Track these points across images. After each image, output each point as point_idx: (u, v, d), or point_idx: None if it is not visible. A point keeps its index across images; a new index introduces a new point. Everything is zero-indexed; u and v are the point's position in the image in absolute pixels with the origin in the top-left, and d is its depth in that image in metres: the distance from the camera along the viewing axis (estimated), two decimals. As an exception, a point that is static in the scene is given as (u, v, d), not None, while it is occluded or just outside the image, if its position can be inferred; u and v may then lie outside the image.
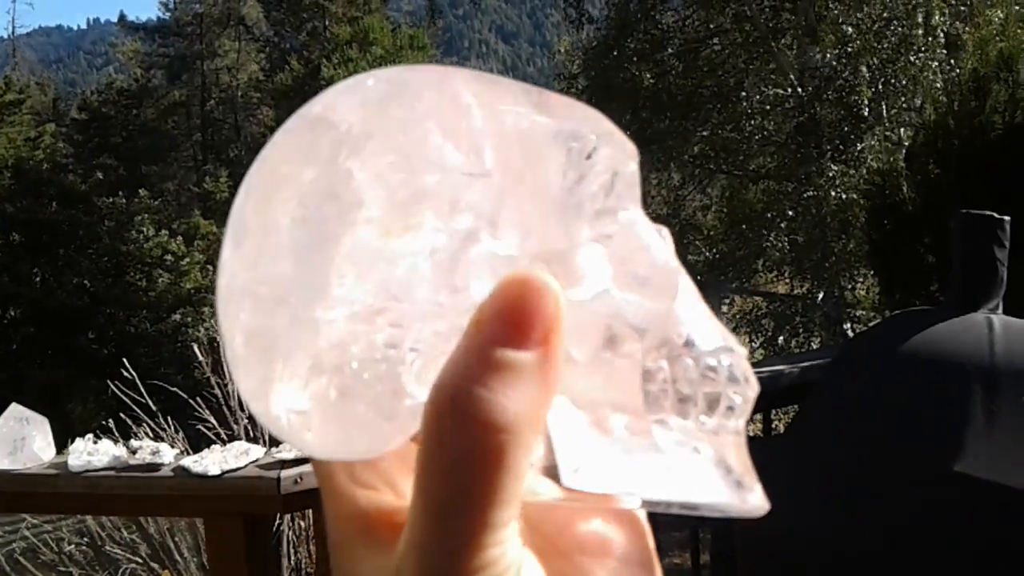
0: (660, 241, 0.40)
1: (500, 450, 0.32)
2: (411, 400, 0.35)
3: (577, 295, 0.37)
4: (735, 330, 16.12)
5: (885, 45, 13.80)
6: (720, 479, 0.39)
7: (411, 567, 0.33)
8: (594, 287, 0.37)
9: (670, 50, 16.33)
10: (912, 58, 13.43)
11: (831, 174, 13.79)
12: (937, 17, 13.30)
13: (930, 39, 13.33)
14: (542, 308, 0.33)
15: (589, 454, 0.37)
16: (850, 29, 14.14)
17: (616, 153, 0.39)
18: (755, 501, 0.39)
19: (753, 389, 0.40)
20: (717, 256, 16.33)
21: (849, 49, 14.11)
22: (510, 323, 0.33)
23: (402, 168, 0.36)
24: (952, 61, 12.67)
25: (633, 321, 0.38)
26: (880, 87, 13.82)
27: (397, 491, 0.38)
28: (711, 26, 16.28)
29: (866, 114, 13.81)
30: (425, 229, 0.35)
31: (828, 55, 14.54)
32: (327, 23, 30.85)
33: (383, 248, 0.35)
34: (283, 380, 0.35)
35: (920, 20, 13.34)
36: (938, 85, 12.79)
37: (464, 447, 0.32)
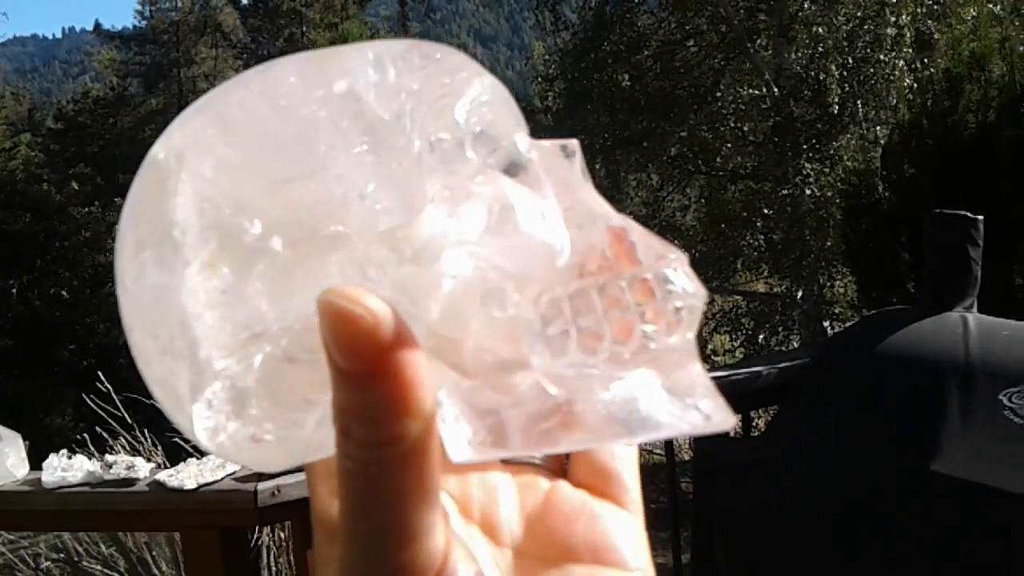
0: (528, 181, 0.38)
1: (375, 463, 0.34)
2: (323, 406, 0.37)
3: (429, 265, 0.36)
4: (716, 330, 16.19)
5: (859, 44, 13.88)
6: (664, 405, 0.37)
7: (338, 568, 0.36)
8: (447, 250, 0.37)
9: (647, 52, 16.37)
10: (883, 57, 13.52)
11: (806, 172, 13.86)
12: (904, 16, 13.40)
13: (898, 38, 13.43)
14: (368, 331, 0.33)
15: (479, 424, 0.36)
16: (821, 30, 14.22)
17: (453, 99, 0.38)
18: (715, 419, 0.37)
19: (696, 297, 0.38)
20: (697, 256, 16.37)
21: (820, 48, 14.19)
22: (346, 354, 0.33)
23: (219, 188, 0.36)
24: (924, 60, 12.75)
25: (506, 271, 0.37)
26: (855, 86, 13.90)
27: None
28: (687, 28, 16.33)
29: (835, 112, 13.89)
30: (258, 246, 0.36)
31: (800, 55, 14.63)
32: (304, 29, 30.76)
33: (216, 287, 0.36)
34: (197, 419, 0.37)
35: (892, 19, 13.44)
36: (905, 83, 12.90)
37: (362, 460, 0.34)
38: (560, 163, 0.40)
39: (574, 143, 0.41)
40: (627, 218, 0.39)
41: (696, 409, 0.37)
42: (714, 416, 0.37)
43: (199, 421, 0.37)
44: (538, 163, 0.39)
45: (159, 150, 0.38)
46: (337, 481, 0.35)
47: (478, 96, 0.38)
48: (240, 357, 0.36)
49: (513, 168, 0.39)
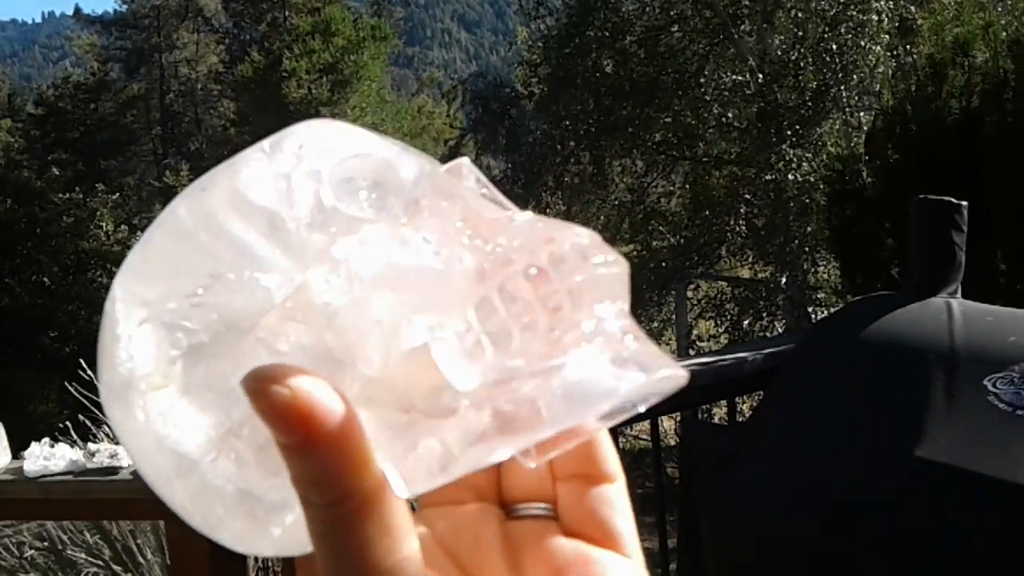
0: (415, 219, 0.40)
1: (340, 519, 0.37)
2: (268, 498, 0.40)
3: (332, 323, 0.38)
4: (700, 316, 16.24)
5: (843, 30, 13.91)
6: (608, 375, 0.37)
7: None
8: (342, 306, 0.38)
9: (631, 37, 16.35)
10: (863, 43, 13.57)
11: (789, 158, 13.90)
12: (885, 2, 13.44)
13: (876, 24, 13.47)
14: (289, 402, 0.36)
15: (417, 457, 0.38)
16: (801, 15, 14.26)
17: (326, 160, 0.40)
18: (665, 376, 0.37)
19: (605, 265, 0.38)
20: (682, 242, 16.40)
21: (800, 33, 14.23)
22: (280, 428, 0.36)
23: (151, 309, 0.40)
24: (907, 47, 12.79)
25: (407, 302, 0.38)
26: (838, 73, 13.94)
27: None
28: (671, 13, 16.32)
29: (812, 98, 13.93)
30: (184, 354, 0.39)
31: (782, 40, 14.66)
32: (287, 14, 30.56)
33: (176, 395, 0.39)
34: (224, 521, 0.41)
35: (875, 5, 13.48)
36: (880, 70, 12.95)
37: (316, 520, 0.37)
38: (452, 185, 0.41)
39: (462, 163, 0.42)
40: (525, 214, 0.40)
41: (639, 368, 0.37)
42: (663, 374, 0.37)
43: (227, 532, 0.41)
44: (429, 192, 0.40)
45: (110, 295, 0.41)
46: (313, 545, 0.38)
47: (351, 155, 0.40)
48: (223, 454, 0.39)
49: (411, 205, 0.40)
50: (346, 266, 0.38)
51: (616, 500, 0.44)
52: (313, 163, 0.40)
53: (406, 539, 0.38)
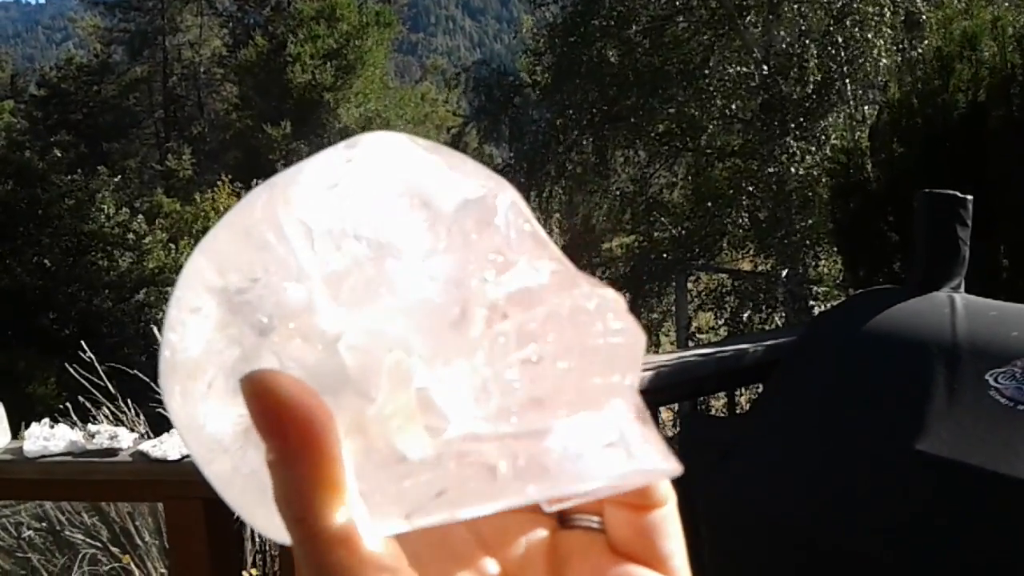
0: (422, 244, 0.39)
1: (310, 539, 0.36)
2: None
3: (333, 351, 0.38)
4: (700, 307, 16.24)
5: (848, 23, 13.88)
6: (595, 455, 0.37)
7: None
8: (344, 334, 0.38)
9: (636, 27, 16.31)
10: (871, 36, 13.54)
11: (792, 150, 13.88)
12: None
13: (880, 18, 13.45)
14: (272, 409, 0.36)
15: (389, 498, 0.37)
16: (806, 7, 14.22)
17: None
18: (654, 466, 0.37)
19: (623, 334, 0.37)
20: (683, 233, 16.40)
21: (805, 27, 14.21)
22: (263, 434, 0.36)
23: (201, 307, 0.40)
24: (912, 40, 12.76)
25: (412, 343, 0.38)
26: (843, 66, 13.91)
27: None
28: (677, 3, 16.27)
29: (815, 90, 13.91)
30: (224, 356, 0.39)
31: (787, 32, 14.63)
32: (291, -2, 30.48)
33: (209, 386, 0.40)
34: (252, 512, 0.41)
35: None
36: (883, 63, 12.92)
37: (296, 541, 0.37)
38: (491, 216, 0.40)
39: (507, 195, 0.41)
40: (559, 261, 0.39)
41: (634, 458, 0.37)
42: (653, 464, 0.37)
43: (256, 519, 0.41)
44: (466, 223, 0.40)
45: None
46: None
47: (393, 186, 0.40)
48: (247, 448, 0.39)
49: (446, 234, 0.39)
50: (364, 292, 0.38)
51: (665, 523, 0.43)
52: (365, 185, 0.40)
53: (393, 565, 0.37)
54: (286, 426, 0.36)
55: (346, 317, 0.38)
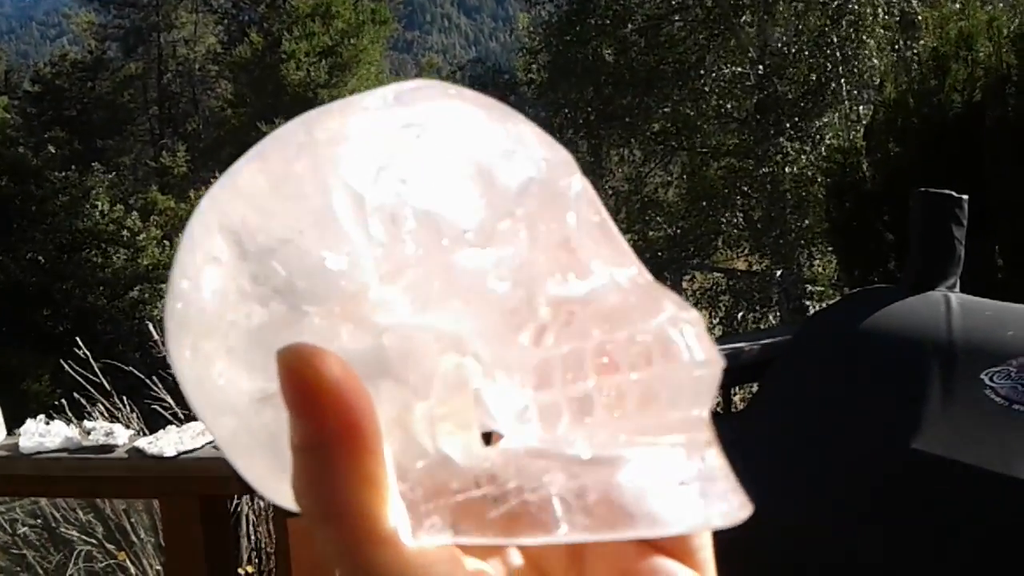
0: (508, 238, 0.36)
1: (345, 539, 0.33)
2: None
3: (395, 335, 0.34)
4: (695, 307, 16.25)
5: (844, 23, 13.91)
6: (664, 493, 0.33)
7: None
8: (402, 323, 0.34)
9: (631, 26, 16.32)
10: (864, 37, 13.58)
11: (786, 151, 13.91)
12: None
13: (873, 18, 13.49)
14: (316, 388, 0.32)
15: (434, 505, 0.34)
16: (801, 6, 14.25)
17: (421, 152, 0.36)
18: (726, 510, 0.33)
19: (707, 365, 0.34)
20: (678, 232, 16.42)
21: (800, 26, 14.23)
22: (297, 413, 0.33)
23: (222, 259, 0.36)
24: (907, 41, 12.79)
25: (471, 344, 0.35)
26: (838, 66, 13.93)
27: None
28: (673, 2, 16.28)
29: (815, 89, 13.94)
30: (248, 320, 0.36)
31: (781, 32, 14.66)
32: (287, -5, 30.43)
33: (228, 347, 0.36)
34: (261, 469, 0.38)
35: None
36: (874, 62, 12.95)
37: (322, 538, 0.33)
38: (563, 203, 0.37)
39: (580, 179, 0.38)
40: (640, 269, 0.36)
41: (705, 500, 0.33)
42: (724, 508, 0.33)
43: (252, 475, 0.38)
44: (532, 208, 0.36)
45: (191, 220, 0.38)
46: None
47: (461, 138, 0.36)
48: (264, 413, 0.36)
49: (494, 218, 0.36)
50: (421, 280, 0.35)
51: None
52: (422, 152, 0.36)
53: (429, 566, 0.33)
54: (325, 410, 0.32)
55: (398, 304, 0.34)
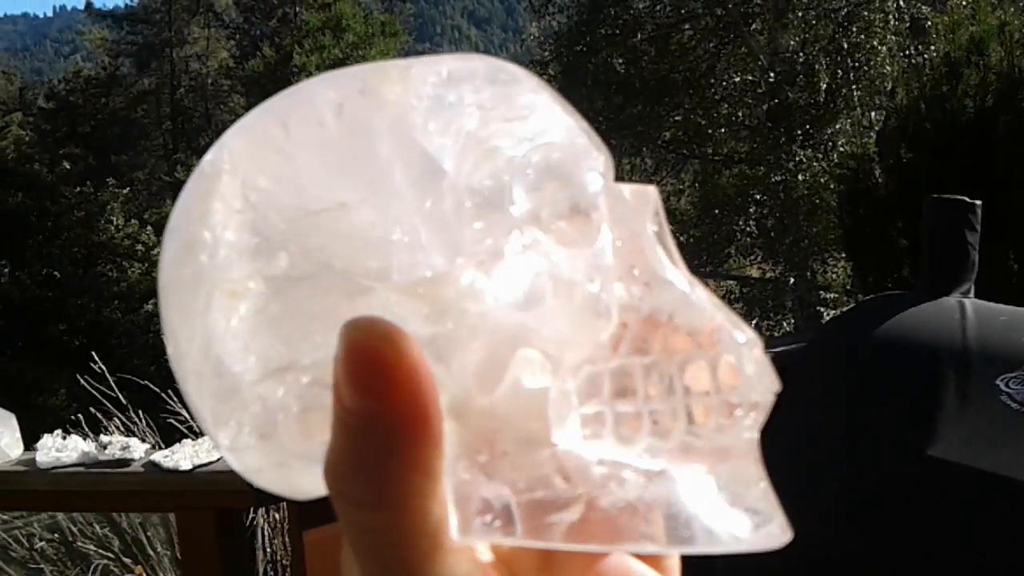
0: (590, 238, 0.34)
1: (396, 527, 0.31)
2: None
3: (468, 322, 0.33)
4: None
5: (855, 30, 13.89)
6: (711, 511, 0.33)
7: None
8: (490, 308, 0.33)
9: (641, 35, 16.33)
10: (876, 43, 13.57)
11: (799, 158, 13.89)
12: (890, 2, 13.43)
13: (884, 24, 13.48)
14: (386, 368, 0.30)
15: (488, 502, 0.32)
16: (812, 13, 14.25)
17: (524, 144, 0.34)
18: (767, 534, 0.33)
19: (764, 392, 0.34)
20: (691, 240, 16.40)
21: (807, 37, 14.24)
22: (361, 391, 0.30)
23: (259, 211, 0.34)
24: (918, 46, 12.76)
25: (546, 339, 0.33)
26: (849, 72, 13.92)
27: None
28: (682, 11, 16.29)
29: (824, 98, 13.93)
30: (287, 275, 0.33)
31: (794, 39, 14.66)
32: (298, 9, 30.59)
33: (245, 311, 0.34)
34: (235, 443, 0.35)
35: (880, 6, 13.49)
36: (887, 69, 12.92)
37: (365, 527, 0.31)
38: (632, 214, 0.36)
39: (652, 193, 0.36)
40: (698, 285, 0.35)
41: (748, 521, 0.33)
42: (765, 531, 0.33)
43: (225, 444, 0.35)
44: (605, 212, 0.35)
45: (209, 158, 0.35)
46: (349, 546, 0.32)
47: (540, 133, 0.34)
48: (268, 386, 0.34)
49: (574, 213, 0.35)
50: (498, 269, 0.33)
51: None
52: (497, 130, 0.34)
53: (445, 560, 0.32)
54: (397, 392, 0.30)
55: (487, 293, 0.33)
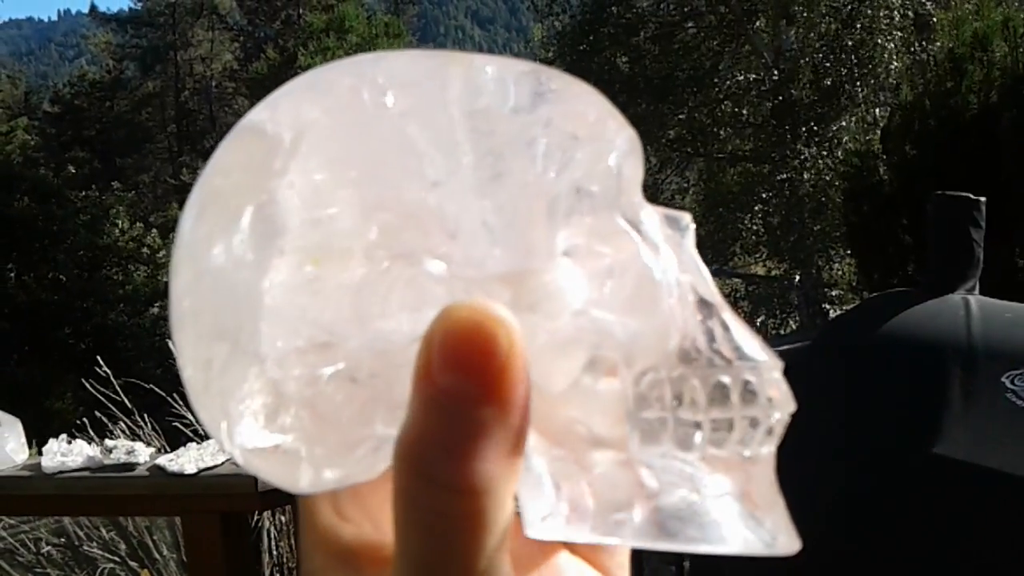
0: (651, 250, 0.35)
1: (478, 514, 0.30)
2: (374, 433, 0.33)
3: (547, 319, 0.33)
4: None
5: (858, 27, 13.87)
6: (734, 518, 0.34)
7: None
8: (568, 308, 0.33)
9: (645, 34, 16.33)
10: (880, 41, 13.54)
11: (804, 156, 13.88)
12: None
13: (887, 21, 13.46)
14: (497, 350, 0.29)
15: (559, 499, 0.33)
16: (814, 13, 14.24)
17: (601, 145, 0.34)
18: (780, 541, 0.34)
19: (783, 409, 0.35)
20: (696, 238, 16.39)
21: (811, 35, 14.22)
22: (466, 373, 0.29)
23: (338, 183, 0.32)
24: (922, 42, 12.74)
25: (619, 342, 0.34)
26: (853, 69, 13.90)
27: (377, 524, 0.36)
28: (685, 9, 16.28)
29: (830, 93, 13.92)
30: (361, 253, 0.32)
31: (795, 36, 14.65)
32: (301, 11, 30.65)
33: (307, 281, 0.32)
34: (236, 416, 0.33)
35: (884, 2, 13.47)
36: (893, 66, 12.90)
37: (437, 511, 0.30)
38: (670, 235, 0.36)
39: (686, 218, 0.37)
40: (726, 307, 0.36)
41: (763, 529, 0.34)
42: (779, 539, 0.34)
43: (247, 419, 0.33)
44: (655, 232, 0.35)
45: (265, 120, 0.33)
46: (401, 535, 0.31)
47: (621, 145, 0.35)
48: (300, 364, 0.33)
49: (636, 227, 0.35)
50: (589, 269, 0.34)
51: None
52: (582, 134, 0.34)
53: (503, 554, 0.31)
54: (505, 379, 0.29)
55: (562, 291, 0.33)
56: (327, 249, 0.32)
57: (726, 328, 0.35)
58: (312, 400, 0.33)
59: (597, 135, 0.35)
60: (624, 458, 0.34)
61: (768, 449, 0.35)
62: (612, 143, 0.35)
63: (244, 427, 0.33)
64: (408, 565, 0.31)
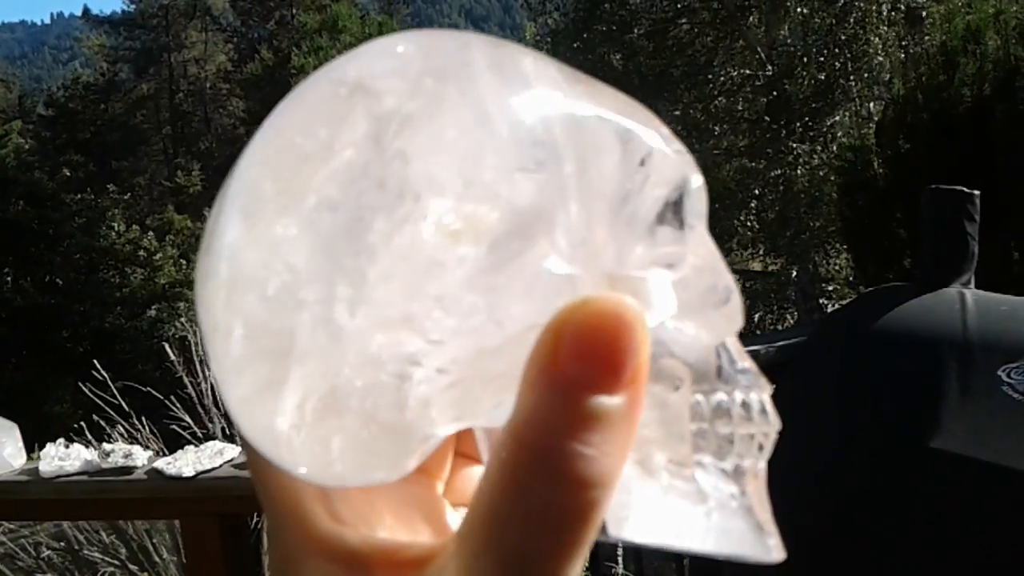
0: (724, 267, 0.36)
1: (590, 506, 0.29)
2: (424, 430, 0.31)
3: None
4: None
5: (851, 21, 13.88)
6: (746, 526, 0.35)
7: None
8: (656, 317, 0.33)
9: (639, 31, 16.33)
10: (872, 37, 13.56)
11: (798, 152, 13.89)
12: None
13: (878, 15, 13.47)
14: (634, 345, 0.29)
15: (635, 501, 0.32)
16: (805, 10, 14.25)
17: (677, 162, 0.35)
18: (775, 549, 0.36)
19: (775, 427, 0.37)
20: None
21: (804, 31, 14.23)
22: (599, 364, 0.29)
23: (462, 159, 0.30)
24: (914, 36, 12.76)
25: (683, 353, 0.34)
26: (847, 64, 13.91)
27: (372, 526, 0.34)
28: (679, 5, 16.28)
29: (824, 87, 13.92)
30: (481, 234, 0.30)
31: (787, 32, 14.66)
32: (295, 11, 30.63)
33: (437, 253, 0.30)
34: (287, 391, 0.30)
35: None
36: (880, 59, 12.92)
37: (550, 502, 0.29)
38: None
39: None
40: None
41: (763, 536, 0.36)
42: (773, 548, 0.36)
43: (296, 396, 0.30)
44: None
45: (364, 79, 0.31)
46: (496, 526, 0.30)
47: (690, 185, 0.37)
48: (388, 341, 0.30)
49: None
50: (672, 282, 0.34)
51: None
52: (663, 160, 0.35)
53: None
54: (639, 373, 0.29)
55: (649, 297, 0.33)
56: (473, 220, 0.30)
57: (725, 347, 0.37)
58: (365, 385, 0.30)
59: (672, 150, 0.36)
60: (683, 464, 0.35)
61: (761, 464, 0.36)
62: (686, 160, 0.37)
63: (289, 406, 0.30)
64: (498, 557, 0.30)
